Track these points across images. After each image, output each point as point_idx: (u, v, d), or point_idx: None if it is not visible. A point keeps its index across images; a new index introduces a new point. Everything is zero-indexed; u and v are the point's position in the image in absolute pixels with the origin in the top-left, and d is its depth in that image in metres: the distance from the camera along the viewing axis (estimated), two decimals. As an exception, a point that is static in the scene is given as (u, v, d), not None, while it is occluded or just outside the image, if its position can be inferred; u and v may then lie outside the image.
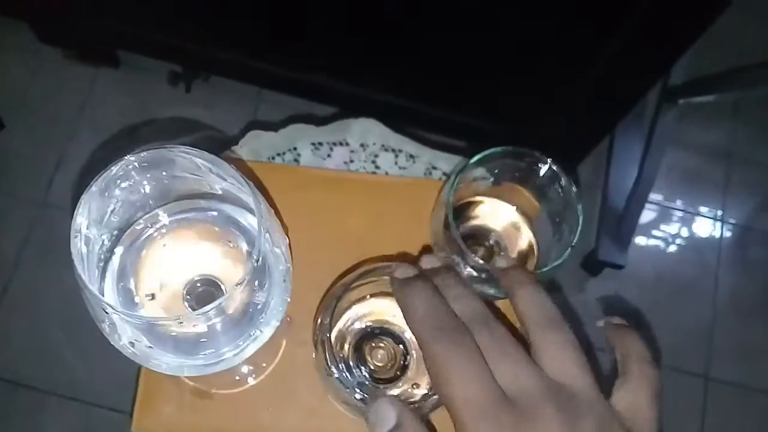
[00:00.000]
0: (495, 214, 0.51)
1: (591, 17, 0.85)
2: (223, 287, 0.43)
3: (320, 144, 0.63)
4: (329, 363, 0.41)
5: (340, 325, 0.48)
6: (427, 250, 0.56)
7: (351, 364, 0.48)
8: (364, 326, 0.48)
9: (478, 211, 0.51)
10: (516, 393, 0.28)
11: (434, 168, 0.63)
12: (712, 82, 1.34)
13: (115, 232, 0.39)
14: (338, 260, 0.55)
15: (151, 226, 0.40)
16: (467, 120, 1.10)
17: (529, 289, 0.34)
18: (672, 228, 1.46)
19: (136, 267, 0.40)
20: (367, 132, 0.63)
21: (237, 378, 0.54)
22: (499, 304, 0.41)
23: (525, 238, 0.50)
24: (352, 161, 0.62)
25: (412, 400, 0.41)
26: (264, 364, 0.54)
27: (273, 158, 0.62)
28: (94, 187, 0.32)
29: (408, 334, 0.48)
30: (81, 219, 0.32)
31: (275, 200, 0.55)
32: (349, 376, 0.47)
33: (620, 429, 0.29)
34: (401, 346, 0.48)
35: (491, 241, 0.51)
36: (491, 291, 0.46)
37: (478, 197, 0.51)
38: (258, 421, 0.53)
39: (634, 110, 1.01)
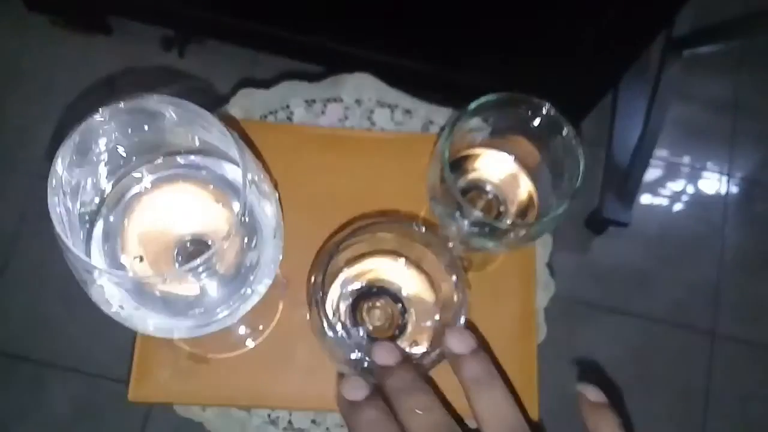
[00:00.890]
0: (493, 165, 0.49)
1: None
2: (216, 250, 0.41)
3: (313, 101, 0.61)
4: (324, 323, 0.39)
5: (336, 284, 0.47)
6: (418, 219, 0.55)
7: (348, 324, 0.47)
8: (360, 286, 0.47)
9: (476, 163, 0.49)
10: None
11: (431, 123, 0.61)
12: (717, 30, 1.30)
13: (98, 193, 0.37)
14: (334, 219, 0.54)
15: (136, 186, 0.39)
16: (464, 78, 1.08)
17: (488, 389, 0.32)
18: (677, 184, 1.44)
19: (122, 229, 0.39)
20: (361, 88, 0.61)
21: (234, 342, 0.53)
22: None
23: (525, 189, 0.48)
24: (346, 118, 0.61)
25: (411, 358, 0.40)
26: (261, 327, 0.53)
27: (265, 117, 0.60)
28: (70, 141, 0.31)
29: (405, 293, 0.47)
30: (57, 175, 0.31)
31: (268, 160, 0.53)
32: (346, 336, 0.46)
33: None
34: (399, 304, 0.47)
35: (490, 194, 0.50)
36: (490, 244, 0.45)
37: (476, 149, 0.49)
38: (256, 384, 0.52)
39: (638, 64, 0.99)
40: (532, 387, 0.53)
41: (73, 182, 0.33)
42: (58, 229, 0.30)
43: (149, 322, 0.36)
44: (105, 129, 0.33)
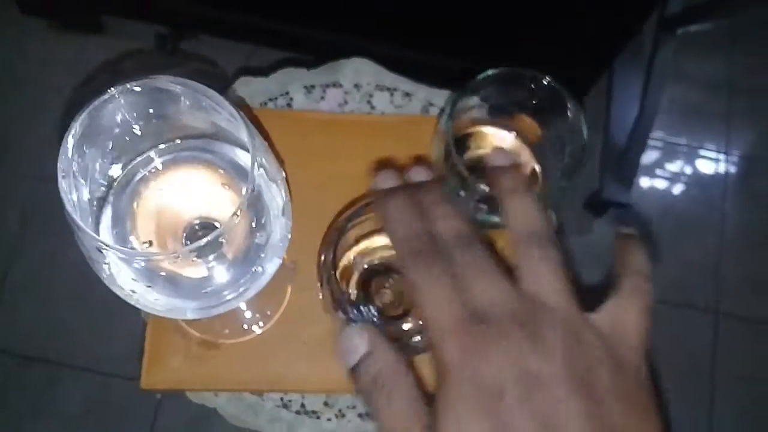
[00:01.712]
0: (495, 143, 0.49)
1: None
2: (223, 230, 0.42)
3: (312, 87, 0.61)
4: (335, 300, 0.40)
5: (344, 263, 0.47)
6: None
7: (358, 302, 0.47)
8: (370, 263, 0.47)
9: (478, 141, 0.50)
10: (486, 311, 0.28)
11: (431, 105, 0.61)
12: (709, 7, 1.30)
13: (107, 177, 0.38)
14: (338, 202, 0.54)
15: (144, 170, 0.39)
16: (458, 63, 1.08)
17: (520, 198, 0.33)
18: (676, 163, 1.44)
19: (131, 214, 0.39)
20: (360, 72, 0.62)
21: (244, 327, 0.54)
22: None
23: (527, 165, 0.48)
24: (346, 103, 0.61)
25: (422, 335, 0.40)
26: (269, 312, 0.54)
27: (265, 104, 0.60)
28: (80, 121, 0.31)
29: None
30: (67, 157, 0.31)
31: (272, 146, 0.54)
32: (357, 314, 0.47)
33: (596, 340, 0.27)
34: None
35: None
36: (496, 219, 0.45)
37: (477, 127, 0.49)
38: (267, 368, 0.53)
39: (632, 46, 0.99)
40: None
41: (81, 165, 0.34)
42: (69, 208, 0.31)
43: (160, 303, 0.37)
44: (114, 111, 0.33)
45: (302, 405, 0.55)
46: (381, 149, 0.57)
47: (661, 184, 1.43)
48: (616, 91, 1.38)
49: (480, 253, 0.30)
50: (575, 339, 0.27)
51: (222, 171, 0.39)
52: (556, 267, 0.30)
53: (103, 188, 0.37)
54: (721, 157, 1.45)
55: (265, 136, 0.54)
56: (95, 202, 0.37)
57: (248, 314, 0.54)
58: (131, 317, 0.52)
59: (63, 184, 0.30)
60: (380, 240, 0.46)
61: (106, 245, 0.30)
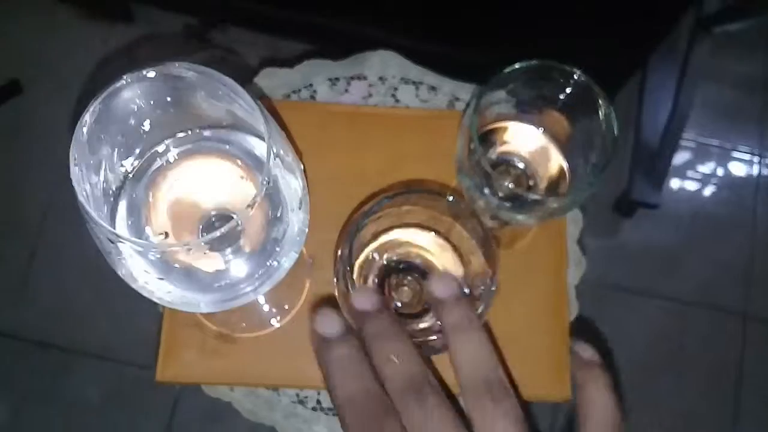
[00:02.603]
0: (522, 139, 0.48)
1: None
2: (241, 224, 0.41)
3: (337, 79, 0.60)
4: (351, 295, 0.39)
5: (362, 259, 0.46)
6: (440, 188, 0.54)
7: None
8: (388, 260, 0.46)
9: (504, 137, 0.48)
10: None
11: (457, 99, 0.60)
12: (747, 6, 1.27)
13: (122, 167, 0.37)
14: (360, 197, 0.53)
15: (161, 160, 0.38)
16: (486, 59, 1.06)
17: (467, 337, 0.31)
18: (708, 165, 1.41)
19: (146, 204, 0.38)
20: (385, 65, 0.60)
21: (261, 321, 0.53)
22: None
23: (555, 162, 0.47)
24: (370, 95, 0.60)
25: (439, 333, 0.39)
26: (287, 306, 0.53)
27: (288, 96, 0.59)
28: (93, 108, 0.30)
29: (433, 268, 0.46)
30: (79, 145, 0.30)
31: (292, 138, 0.53)
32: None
33: None
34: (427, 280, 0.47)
35: (519, 168, 0.49)
36: (520, 217, 0.44)
37: (503, 123, 0.48)
38: (282, 363, 0.52)
39: (667, 43, 0.97)
40: (564, 363, 0.51)
41: (96, 154, 0.33)
42: (81, 198, 0.30)
43: (175, 296, 0.36)
44: (130, 98, 0.32)
45: (318, 402, 0.54)
46: (404, 143, 0.56)
47: (691, 185, 1.40)
48: (649, 89, 1.35)
49: (433, 405, 0.28)
50: None
51: (240, 162, 0.38)
52: (515, 423, 0.28)
53: (120, 178, 0.37)
54: (755, 158, 1.41)
55: (286, 127, 0.53)
56: (111, 192, 0.37)
57: (266, 308, 0.53)
58: (151, 307, 0.51)
59: (75, 172, 0.30)
60: (399, 236, 0.45)
61: (116, 235, 0.29)
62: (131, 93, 0.32)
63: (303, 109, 0.58)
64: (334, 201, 0.52)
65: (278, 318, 0.53)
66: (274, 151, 0.32)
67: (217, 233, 0.29)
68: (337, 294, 0.42)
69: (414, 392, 0.28)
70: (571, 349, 0.33)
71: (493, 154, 0.48)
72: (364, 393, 0.29)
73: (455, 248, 0.45)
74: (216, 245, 0.38)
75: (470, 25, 1.04)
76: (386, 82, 0.60)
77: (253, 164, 0.39)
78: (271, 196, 0.35)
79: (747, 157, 1.42)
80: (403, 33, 1.05)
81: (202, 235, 0.40)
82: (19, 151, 1.33)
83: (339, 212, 0.52)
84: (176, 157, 0.38)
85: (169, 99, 0.34)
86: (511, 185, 0.41)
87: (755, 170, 1.41)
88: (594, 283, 1.25)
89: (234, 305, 0.37)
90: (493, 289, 0.39)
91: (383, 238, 0.45)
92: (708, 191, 1.40)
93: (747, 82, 1.44)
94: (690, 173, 1.40)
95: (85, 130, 0.30)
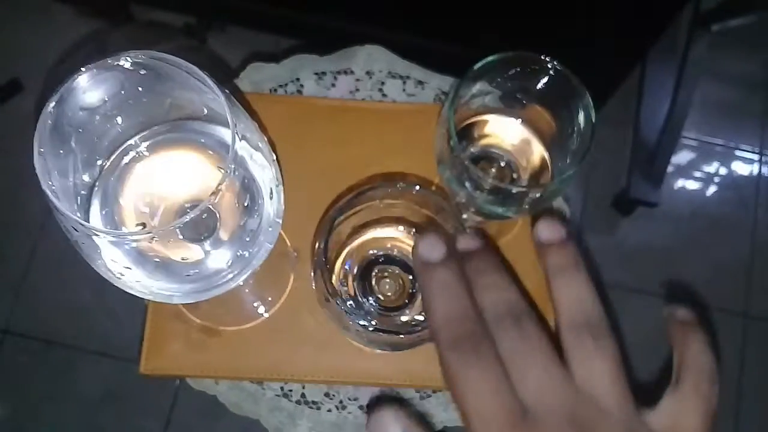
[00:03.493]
0: (503, 131, 0.48)
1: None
2: (218, 214, 0.41)
3: (324, 74, 0.60)
4: (327, 289, 0.39)
5: (344, 253, 0.46)
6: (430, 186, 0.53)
7: (358, 293, 0.46)
8: (369, 255, 0.46)
9: (485, 130, 0.48)
10: (537, 407, 0.26)
11: (444, 93, 0.60)
12: (746, 2, 1.27)
13: (93, 161, 0.37)
14: (342, 191, 0.53)
15: (135, 152, 0.38)
16: (478, 55, 1.06)
17: (572, 279, 0.30)
18: (707, 163, 1.40)
19: (120, 198, 0.38)
20: (372, 59, 0.60)
21: (245, 314, 0.53)
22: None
23: (537, 154, 0.47)
24: (357, 90, 0.60)
25: (421, 327, 0.39)
26: (270, 299, 0.53)
27: (275, 90, 0.59)
28: (53, 101, 0.30)
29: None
30: (44, 135, 0.30)
31: (277, 132, 0.53)
32: (355, 305, 0.46)
33: None
34: (410, 275, 0.46)
35: (502, 161, 0.48)
36: (499, 210, 0.44)
37: (483, 116, 0.48)
38: (267, 356, 0.52)
39: (665, 40, 0.96)
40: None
41: (66, 143, 0.33)
42: (45, 187, 0.30)
43: (151, 287, 0.36)
44: (96, 87, 0.32)
45: (302, 395, 0.54)
46: (389, 137, 0.56)
47: (691, 184, 1.39)
48: (646, 86, 1.35)
49: (532, 332, 0.28)
50: None
51: (213, 153, 0.38)
52: (613, 363, 0.28)
53: (95, 172, 0.37)
54: (755, 157, 1.40)
55: (269, 124, 0.53)
56: (85, 184, 0.37)
57: (250, 301, 0.53)
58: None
59: (40, 161, 0.29)
60: (380, 231, 0.45)
61: (89, 227, 0.29)
62: (99, 82, 0.32)
63: (289, 103, 0.58)
64: (319, 195, 0.52)
65: (263, 311, 0.53)
66: (239, 136, 0.31)
67: (185, 218, 0.29)
68: (314, 287, 0.42)
69: (513, 318, 0.28)
70: (665, 314, 0.33)
71: (474, 147, 0.48)
72: (462, 315, 0.28)
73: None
74: (192, 234, 0.38)
75: (461, 21, 1.04)
76: (373, 77, 0.60)
77: (227, 154, 0.39)
78: (246, 185, 0.35)
79: (748, 156, 1.41)
80: (391, 28, 1.05)
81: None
82: (20, 150, 1.33)
83: (324, 207, 0.52)
84: (150, 150, 0.38)
85: (140, 89, 0.34)
86: (491, 179, 0.41)
87: (756, 169, 1.40)
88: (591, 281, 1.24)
89: (211, 296, 0.37)
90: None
91: (363, 232, 0.45)
92: (708, 190, 1.39)
93: (747, 79, 1.44)
94: (690, 172, 1.40)
95: (48, 119, 0.30)
